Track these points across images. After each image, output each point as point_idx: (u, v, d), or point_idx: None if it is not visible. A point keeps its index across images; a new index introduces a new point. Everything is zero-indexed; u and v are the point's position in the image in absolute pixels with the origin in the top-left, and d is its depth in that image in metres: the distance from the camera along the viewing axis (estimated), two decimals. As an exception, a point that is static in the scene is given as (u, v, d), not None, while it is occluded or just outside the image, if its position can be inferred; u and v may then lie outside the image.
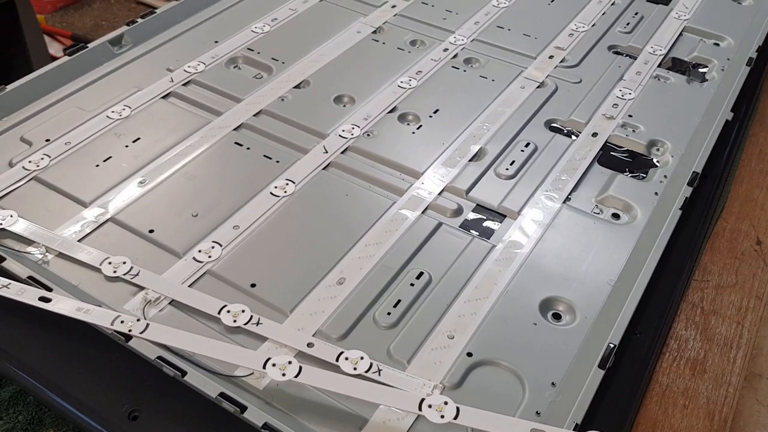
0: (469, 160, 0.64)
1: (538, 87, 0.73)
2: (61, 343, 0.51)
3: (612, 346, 0.47)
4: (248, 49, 0.76)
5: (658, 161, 0.65)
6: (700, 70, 0.77)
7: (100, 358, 0.50)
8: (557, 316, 0.51)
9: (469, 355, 0.48)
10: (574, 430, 0.41)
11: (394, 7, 0.84)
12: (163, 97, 0.70)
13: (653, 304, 0.57)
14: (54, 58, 0.76)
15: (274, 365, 0.45)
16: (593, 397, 0.44)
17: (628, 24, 0.83)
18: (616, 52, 0.79)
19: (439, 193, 0.60)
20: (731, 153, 0.74)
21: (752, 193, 0.72)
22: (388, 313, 0.50)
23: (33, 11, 1.49)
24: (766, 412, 0.58)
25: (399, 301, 0.51)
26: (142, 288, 0.51)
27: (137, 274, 0.52)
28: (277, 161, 0.62)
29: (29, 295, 0.48)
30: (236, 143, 0.64)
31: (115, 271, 0.52)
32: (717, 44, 0.81)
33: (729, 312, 0.60)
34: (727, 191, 0.72)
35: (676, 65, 0.78)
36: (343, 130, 0.66)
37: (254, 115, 0.68)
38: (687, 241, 0.63)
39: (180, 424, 0.47)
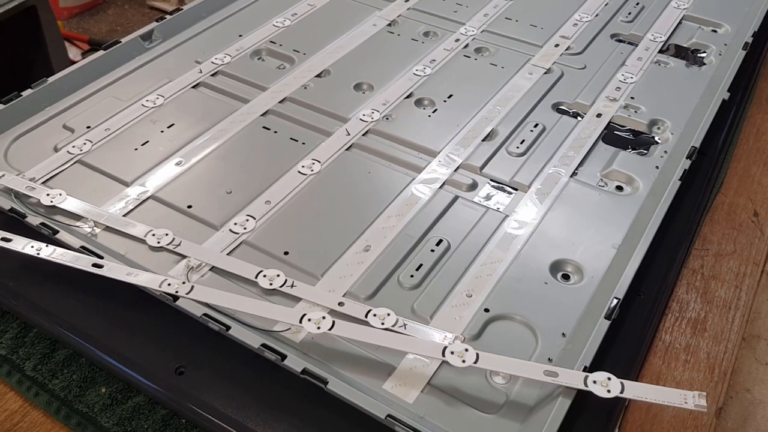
0: (482, 140, 0.68)
1: (545, 73, 0.77)
2: (110, 309, 0.55)
3: (617, 299, 0.51)
4: (271, 41, 0.81)
5: (658, 138, 0.69)
6: (699, 55, 0.81)
7: (146, 321, 0.54)
8: (566, 277, 0.55)
9: (486, 310, 0.52)
10: (583, 371, 0.46)
11: (407, 1, 0.88)
12: (193, 87, 0.74)
13: (655, 269, 0.61)
14: (73, 62, 0.81)
15: (309, 320, 0.49)
16: (600, 346, 0.48)
17: (629, 14, 0.87)
18: (619, 40, 0.84)
19: (455, 170, 0.65)
20: (729, 132, 0.79)
21: (750, 170, 0.77)
22: (411, 276, 0.55)
23: (54, 16, 1.55)
24: (764, 369, 0.62)
25: (421, 265, 0.55)
26: (184, 256, 0.56)
27: (179, 244, 0.56)
28: (303, 143, 0.67)
29: (83, 262, 0.53)
30: (264, 127, 0.69)
31: (159, 242, 0.56)
32: (715, 31, 0.85)
33: (728, 277, 0.64)
34: (726, 168, 0.76)
35: (676, 51, 0.82)
36: (364, 114, 0.70)
37: (279, 102, 0.72)
38: (687, 214, 0.67)
39: (221, 378, 0.51)
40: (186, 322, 0.52)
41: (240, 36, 0.82)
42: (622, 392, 0.44)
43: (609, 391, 0.44)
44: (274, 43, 0.81)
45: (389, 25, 0.85)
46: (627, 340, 0.55)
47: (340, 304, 0.52)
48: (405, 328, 0.50)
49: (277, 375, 0.49)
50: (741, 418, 0.57)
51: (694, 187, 0.70)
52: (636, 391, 0.44)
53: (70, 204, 0.59)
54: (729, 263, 0.66)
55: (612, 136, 0.70)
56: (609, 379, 0.45)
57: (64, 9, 2.15)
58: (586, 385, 0.44)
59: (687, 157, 0.64)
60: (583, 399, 0.49)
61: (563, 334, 0.50)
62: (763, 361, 0.61)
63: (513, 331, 0.51)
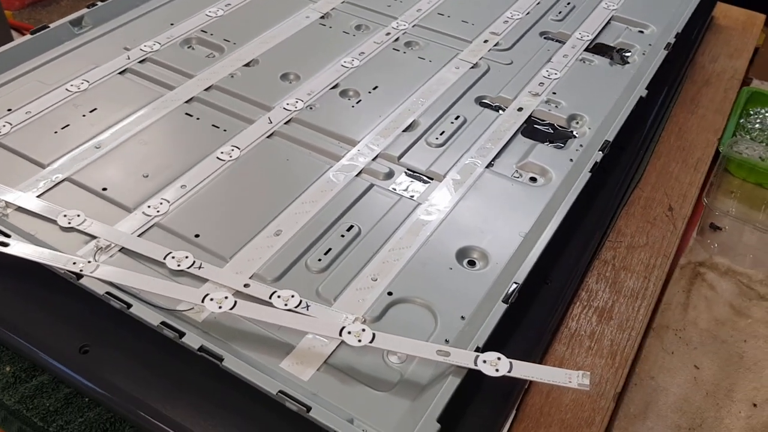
0: (403, 131, 0.69)
1: (471, 68, 0.79)
2: (17, 287, 0.55)
3: (515, 284, 0.52)
4: (202, 30, 0.81)
5: (576, 133, 0.71)
6: (624, 54, 0.84)
7: (53, 300, 0.54)
8: (472, 263, 0.57)
9: (390, 294, 0.53)
10: (474, 351, 0.47)
11: (342, -6, 0.89)
12: (119, 73, 0.74)
13: (565, 259, 0.63)
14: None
15: (212, 300, 0.50)
16: (497, 329, 0.50)
17: (560, 13, 0.89)
18: (547, 38, 0.86)
19: (373, 159, 0.66)
20: (650, 130, 0.81)
21: (668, 166, 0.79)
22: (319, 260, 0.55)
23: (1, 7, 1.53)
24: (669, 358, 0.64)
25: (330, 249, 0.56)
26: (94, 237, 0.56)
27: (90, 225, 0.56)
28: (225, 130, 0.67)
29: (-12, 241, 0.53)
30: (187, 114, 0.69)
31: (69, 222, 0.56)
32: (641, 32, 0.88)
33: (638, 268, 0.66)
34: (645, 164, 0.78)
35: (602, 50, 0.84)
36: (288, 104, 0.71)
37: (205, 90, 0.72)
38: (602, 206, 0.69)
39: (126, 357, 0.51)
40: (92, 302, 0.52)
41: (172, 25, 0.82)
42: (509, 371, 0.45)
43: (497, 370, 0.45)
44: (205, 32, 0.81)
45: (322, 17, 0.86)
46: (531, 327, 0.57)
47: (246, 285, 0.52)
48: (307, 309, 0.51)
49: (181, 354, 0.49)
50: (643, 404, 0.58)
51: (611, 181, 0.72)
52: (523, 370, 0.45)
53: (-18, 185, 0.59)
54: (640, 255, 0.68)
55: (531, 129, 0.71)
56: (498, 359, 0.46)
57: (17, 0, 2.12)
58: (476, 365, 0.46)
59: (600, 150, 0.66)
60: (480, 381, 0.51)
61: (462, 317, 0.51)
62: (669, 351, 0.64)
63: (414, 314, 0.52)
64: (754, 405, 0.60)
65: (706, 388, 0.61)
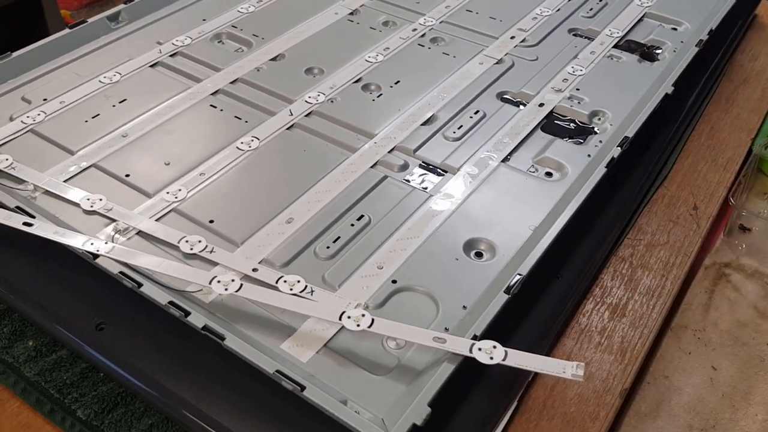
0: (422, 125, 0.70)
1: (495, 63, 0.79)
2: (41, 266, 0.58)
3: (519, 275, 0.52)
4: (232, 26, 0.84)
5: (597, 129, 0.70)
6: (655, 51, 0.82)
7: (73, 279, 0.57)
8: (479, 255, 0.57)
9: (394, 282, 0.54)
10: (471, 339, 0.47)
11: (372, -10, 0.90)
12: (151, 66, 0.77)
13: (578, 254, 0.62)
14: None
15: (219, 282, 0.51)
16: (498, 319, 0.50)
17: (591, 9, 0.89)
18: (576, 35, 0.85)
19: (389, 151, 0.66)
20: (679, 128, 0.79)
21: (697, 165, 0.77)
22: (327, 247, 0.56)
23: (57, 6, 1.59)
24: (686, 358, 0.63)
25: (338, 237, 0.57)
26: (114, 220, 0.58)
27: (111, 209, 0.58)
28: (246, 121, 0.69)
29: (14, 220, 0.55)
30: (211, 105, 0.71)
31: (92, 206, 0.59)
32: (675, 29, 0.86)
33: (656, 266, 0.65)
34: (672, 163, 0.77)
35: (632, 47, 0.83)
36: (309, 97, 0.72)
37: (231, 83, 0.74)
38: (621, 203, 0.68)
39: (139, 335, 0.53)
40: (109, 283, 0.54)
41: (204, 20, 0.84)
42: (504, 359, 0.45)
43: (492, 357, 0.45)
44: (236, 27, 0.83)
45: (351, 13, 0.87)
46: (539, 320, 0.57)
47: (254, 270, 0.54)
48: (312, 294, 0.52)
49: (190, 335, 0.51)
50: (655, 403, 0.58)
51: (634, 179, 0.71)
52: (518, 359, 0.45)
53: (15, 168, 0.62)
54: (659, 253, 0.67)
55: (551, 125, 0.71)
56: (494, 347, 0.46)
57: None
58: (471, 352, 0.46)
59: (618, 146, 0.65)
60: (481, 372, 0.51)
61: (464, 306, 0.52)
62: (687, 351, 0.62)
63: (416, 302, 0.53)
64: (772, 409, 0.58)
65: (723, 390, 0.60)
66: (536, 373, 0.55)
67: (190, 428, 0.49)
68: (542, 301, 0.58)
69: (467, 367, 0.49)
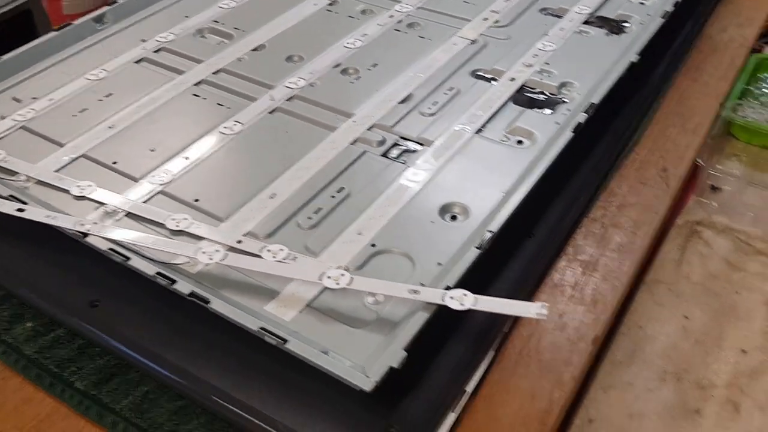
0: (399, 103, 0.72)
1: (469, 44, 0.82)
2: (35, 251, 0.61)
3: (490, 232, 0.55)
4: (214, 21, 0.87)
5: (566, 99, 0.73)
6: (623, 24, 0.85)
7: (66, 261, 0.60)
8: (454, 218, 0.59)
9: (373, 245, 0.56)
10: (444, 289, 0.50)
11: (349, -19, 0.93)
12: (136, 62, 0.80)
13: (550, 215, 0.65)
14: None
15: (204, 252, 0.54)
16: (472, 272, 0.52)
17: (561, -11, 0.91)
18: (547, 14, 0.88)
19: (368, 129, 0.69)
20: (648, 96, 0.82)
21: (666, 131, 0.80)
22: (309, 218, 0.59)
23: (49, 20, 1.62)
24: (660, 309, 0.65)
25: (320, 209, 0.60)
26: (103, 204, 0.61)
27: (99, 193, 0.61)
28: (229, 108, 0.72)
29: (8, 207, 0.58)
30: (194, 95, 0.74)
31: (81, 192, 0.61)
32: (642, 3, 0.89)
33: (627, 225, 0.68)
34: (642, 129, 0.80)
35: (600, 22, 0.86)
36: (290, 82, 0.75)
37: (213, 73, 0.77)
38: (591, 167, 0.71)
39: (131, 310, 0.56)
40: (100, 262, 0.57)
41: (186, 17, 0.87)
42: (474, 305, 0.48)
43: (462, 304, 0.48)
44: (217, 22, 0.86)
45: (330, 4, 0.90)
46: (512, 276, 0.59)
47: (239, 242, 0.56)
48: (295, 260, 0.54)
49: (180, 306, 0.54)
50: (630, 351, 0.60)
51: (604, 145, 0.74)
52: (487, 304, 0.48)
53: (8, 162, 0.65)
54: (630, 213, 0.69)
55: (522, 97, 0.73)
56: (465, 295, 0.49)
57: (67, 16, 2.24)
58: (443, 300, 0.48)
59: (584, 112, 0.68)
60: (458, 324, 0.54)
61: (439, 263, 0.54)
62: (660, 303, 0.65)
63: (394, 262, 0.55)
64: (743, 351, 0.61)
65: (695, 337, 0.62)
66: (513, 325, 0.57)
67: (182, 391, 0.52)
68: (516, 259, 0.60)
69: (446, 321, 0.52)
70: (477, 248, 0.53)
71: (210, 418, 0.51)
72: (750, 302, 0.65)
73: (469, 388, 0.52)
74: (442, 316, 0.50)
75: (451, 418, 0.50)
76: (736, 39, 0.96)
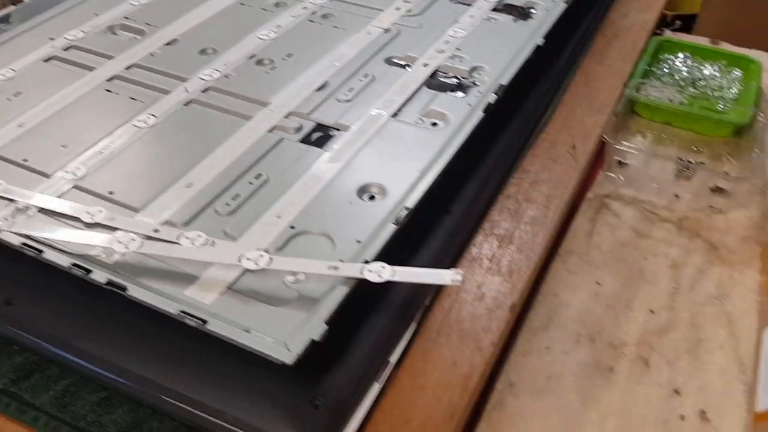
0: (315, 91, 0.73)
1: (383, 33, 0.83)
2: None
3: (406, 209, 0.56)
4: (125, 17, 0.85)
5: (477, 82, 0.75)
6: (530, 11, 0.88)
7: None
8: (372, 197, 0.61)
9: (292, 227, 0.57)
10: (363, 263, 0.51)
11: (260, -24, 0.93)
12: (44, 60, 0.78)
13: (465, 192, 0.67)
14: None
15: (120, 242, 0.54)
16: (390, 248, 0.54)
17: (470, -21, 0.94)
18: (458, 3, 0.90)
19: (285, 117, 0.70)
20: (556, 79, 0.86)
21: (574, 111, 0.84)
22: (227, 204, 0.59)
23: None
24: (573, 277, 0.68)
25: (238, 195, 0.60)
26: (13, 201, 0.59)
27: (10, 191, 0.60)
28: (142, 102, 0.71)
29: None
30: (106, 90, 0.73)
31: (-10, 190, 0.60)
32: (548, -10, 0.92)
33: (539, 200, 0.71)
34: (551, 110, 0.83)
35: (508, 9, 0.89)
36: (204, 74, 0.75)
37: (125, 69, 0.76)
38: (504, 147, 0.74)
39: (48, 304, 0.55)
40: (14, 259, 0.56)
41: (96, 15, 0.86)
42: (392, 277, 0.49)
43: (380, 276, 0.49)
44: (128, 18, 0.85)
45: (242, -2, 0.90)
46: (431, 252, 0.61)
47: (156, 230, 0.56)
48: (214, 246, 0.55)
49: (98, 295, 0.53)
50: (546, 318, 0.63)
51: (515, 126, 0.77)
52: (404, 275, 0.50)
53: None
54: (542, 188, 0.72)
55: (436, 81, 0.76)
56: (383, 267, 0.50)
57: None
58: (361, 274, 0.50)
59: (494, 93, 0.70)
60: (379, 299, 0.55)
61: (358, 241, 0.55)
62: (573, 272, 0.68)
63: (314, 242, 0.56)
64: (651, 311, 0.64)
65: (607, 301, 0.66)
66: (434, 298, 0.59)
67: (104, 382, 0.51)
68: (434, 235, 0.62)
69: (369, 297, 0.53)
70: (394, 224, 0.55)
71: (134, 407, 0.51)
72: (656, 266, 0.69)
73: (393, 359, 0.53)
74: (365, 292, 0.51)
75: (375, 388, 0.51)
76: (638, 23, 1.01)
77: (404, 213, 0.56)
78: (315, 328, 0.47)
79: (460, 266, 0.63)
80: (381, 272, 0.49)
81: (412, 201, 0.57)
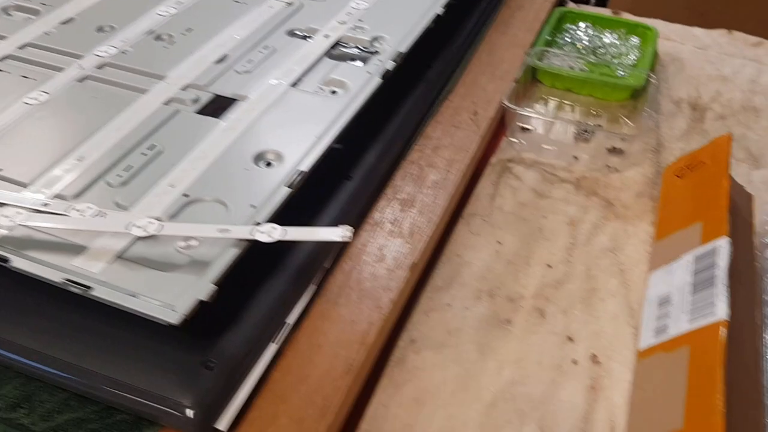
0: (214, 63, 0.73)
1: (285, 6, 0.83)
2: None
3: (301, 172, 0.56)
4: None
5: (378, 51, 0.76)
6: (432, -16, 0.89)
7: None
8: (268, 164, 0.61)
9: (186, 195, 0.57)
10: (254, 224, 0.51)
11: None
12: (-71, 42, 0.75)
13: (367, 159, 0.68)
14: None
15: (5, 216, 0.52)
16: (279, 209, 0.54)
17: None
18: (361, -24, 0.90)
19: (182, 89, 0.69)
20: (460, 49, 0.87)
21: (477, 79, 0.85)
22: (119, 175, 0.58)
23: None
24: (476, 238, 0.69)
25: (131, 166, 0.59)
26: None
27: None
28: (35, 79, 0.70)
29: None
30: (-2, 69, 0.71)
31: None
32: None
33: (441, 164, 0.72)
34: (456, 79, 0.84)
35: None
36: (100, 51, 0.73)
37: (18, 48, 0.74)
38: (406, 115, 0.75)
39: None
40: None
41: (-13, -5, 0.83)
42: (283, 236, 0.50)
43: (271, 236, 0.49)
44: (21, -2, 0.83)
45: (142, -24, 0.88)
46: (330, 217, 0.61)
47: (45, 204, 0.55)
48: (104, 216, 0.54)
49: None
50: (449, 277, 0.64)
51: (418, 94, 0.78)
52: (295, 234, 0.50)
53: None
54: (444, 153, 0.73)
55: (337, 52, 0.76)
56: (273, 228, 0.50)
57: None
58: (252, 235, 0.50)
59: (393, 60, 0.71)
60: (277, 263, 0.55)
61: (252, 205, 0.55)
62: (476, 233, 0.69)
63: (207, 210, 0.56)
64: (549, 266, 0.66)
65: (507, 258, 0.67)
66: (335, 261, 0.60)
67: (-5, 360, 0.50)
68: (334, 201, 0.63)
69: (268, 261, 0.53)
70: (288, 187, 0.55)
71: (24, 381, 0.50)
72: (555, 224, 0.71)
73: (290, 320, 0.54)
74: (264, 257, 0.52)
75: (272, 348, 0.52)
76: (540, -4, 1.03)
77: (298, 175, 0.56)
78: (202, 288, 0.47)
79: (362, 230, 0.64)
80: (271, 233, 0.50)
81: (306, 164, 0.57)
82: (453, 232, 0.70)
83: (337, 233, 0.49)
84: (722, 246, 0.53)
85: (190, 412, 0.46)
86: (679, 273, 0.56)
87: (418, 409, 0.55)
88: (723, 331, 0.47)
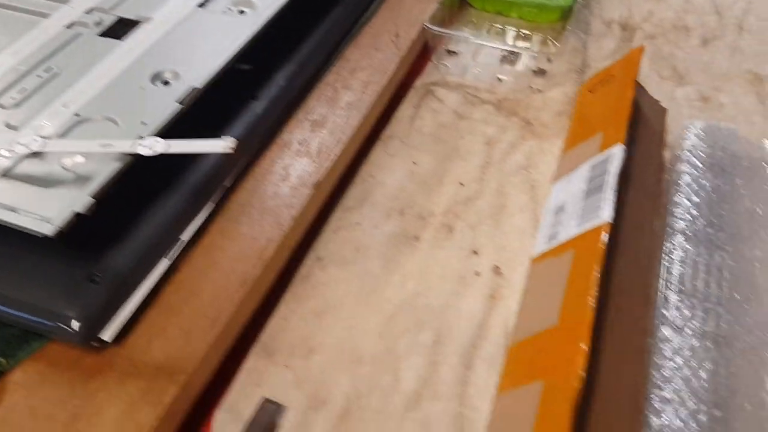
0: (118, -12, 0.71)
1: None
2: None
3: (193, 88, 0.55)
4: None
5: (293, -29, 0.74)
6: None
7: None
8: (166, 83, 0.59)
9: (77, 115, 0.55)
10: (137, 138, 0.50)
11: None
12: None
13: (276, 80, 0.67)
14: None
15: None
16: (168, 124, 0.53)
17: None
18: None
19: (86, 12, 0.67)
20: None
21: (402, 2, 0.83)
22: (12, 98, 0.57)
23: None
24: (391, 159, 0.69)
25: (25, 89, 0.58)
26: None
27: None
28: (-69, 5, 0.67)
29: None
30: None
31: None
32: None
33: (356, 86, 0.71)
34: (379, 2, 0.83)
35: None
36: (2, -24, 0.71)
37: None
38: (323, 36, 0.73)
39: None
40: None
41: None
42: (166, 149, 0.49)
43: (152, 149, 0.49)
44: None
45: None
46: (234, 136, 0.60)
47: (-70, 126, 0.53)
48: (-9, 137, 0.53)
49: None
50: (361, 198, 0.64)
51: (336, 16, 0.76)
52: (178, 147, 0.49)
53: None
54: (361, 75, 0.72)
55: (250, -27, 0.74)
56: (156, 141, 0.49)
57: None
58: (134, 149, 0.49)
59: (304, -21, 0.70)
60: (172, 182, 0.55)
61: (143, 122, 0.54)
62: (392, 154, 0.69)
63: (98, 128, 0.55)
64: (461, 184, 0.66)
65: (421, 178, 0.67)
66: (237, 180, 0.59)
67: None
68: (239, 121, 0.62)
69: (163, 180, 0.53)
70: (179, 103, 0.54)
71: None
72: (472, 144, 0.70)
73: (185, 237, 0.53)
74: (163, 175, 0.51)
75: (164, 263, 0.51)
76: None
77: (189, 91, 0.55)
78: (79, 200, 0.46)
79: (270, 152, 0.63)
80: (154, 146, 0.49)
81: (199, 81, 0.56)
82: (369, 154, 0.70)
83: (221, 144, 0.48)
84: (615, 153, 0.53)
85: (75, 324, 0.46)
86: (575, 182, 0.56)
87: (318, 321, 0.55)
88: (604, 234, 0.47)
